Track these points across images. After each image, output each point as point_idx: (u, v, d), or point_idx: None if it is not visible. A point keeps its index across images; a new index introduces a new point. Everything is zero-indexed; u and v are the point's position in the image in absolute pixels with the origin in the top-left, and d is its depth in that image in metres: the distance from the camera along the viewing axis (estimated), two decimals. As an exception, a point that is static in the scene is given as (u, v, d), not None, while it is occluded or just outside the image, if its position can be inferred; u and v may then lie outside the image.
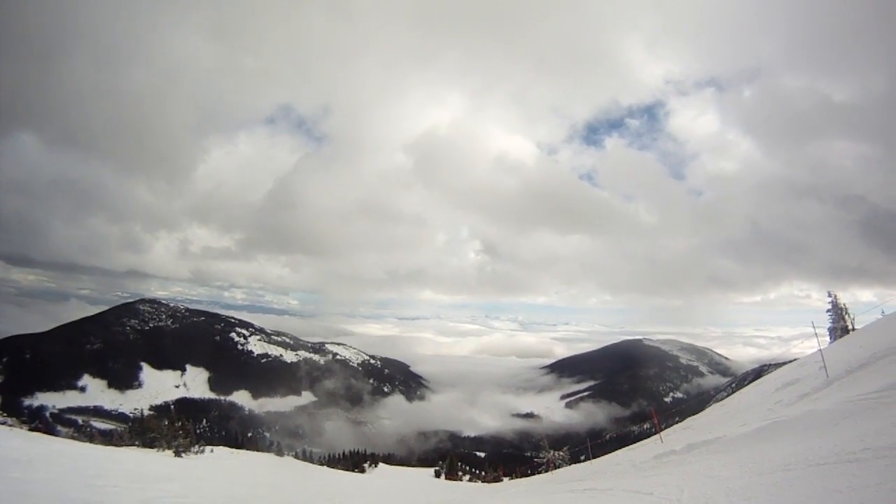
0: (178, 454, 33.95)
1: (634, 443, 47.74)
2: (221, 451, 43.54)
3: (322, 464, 79.14)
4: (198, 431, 64.32)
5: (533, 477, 51.78)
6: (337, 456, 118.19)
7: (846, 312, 56.07)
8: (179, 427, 38.79)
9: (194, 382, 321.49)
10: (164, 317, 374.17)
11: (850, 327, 54.13)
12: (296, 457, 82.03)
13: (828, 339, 52.63)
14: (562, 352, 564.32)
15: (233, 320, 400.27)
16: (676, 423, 49.65)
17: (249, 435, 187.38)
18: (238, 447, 61.94)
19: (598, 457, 44.20)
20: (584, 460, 49.52)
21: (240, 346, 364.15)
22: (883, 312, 48.23)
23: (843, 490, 8.73)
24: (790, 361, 56.92)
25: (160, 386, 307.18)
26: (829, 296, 57.55)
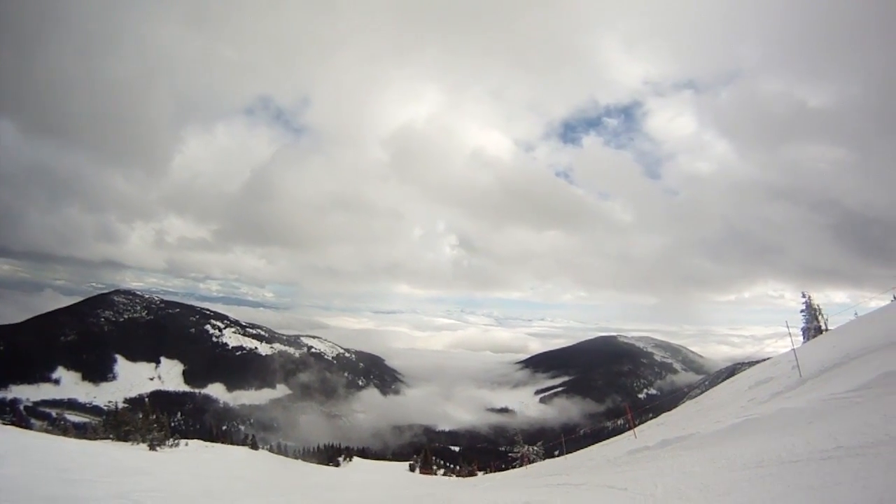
0: (152, 448, 33.87)
1: (608, 438, 48.07)
2: (196, 445, 43.45)
3: (297, 457, 79.18)
4: (172, 425, 64.03)
5: (507, 471, 51.95)
6: (312, 449, 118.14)
7: (820, 313, 56.67)
8: (154, 420, 38.78)
9: (169, 375, 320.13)
10: (138, 308, 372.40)
11: (823, 328, 54.66)
12: (270, 450, 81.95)
13: (801, 338, 53.12)
14: (536, 347, 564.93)
15: (208, 312, 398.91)
16: (650, 419, 49.82)
17: (224, 428, 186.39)
18: (212, 440, 61.80)
19: (573, 452, 44.36)
20: (558, 455, 49.80)
21: (215, 339, 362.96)
22: (856, 314, 48.64)
23: (816, 487, 8.83)
24: (763, 360, 57.29)
25: (135, 378, 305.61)
26: (804, 296, 58.16)
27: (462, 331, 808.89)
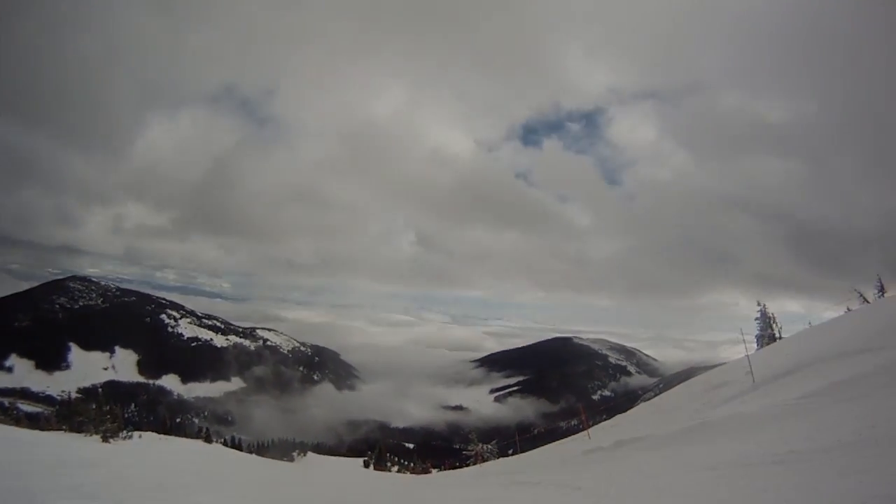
0: (105, 439, 33.43)
1: (562, 438, 48.28)
2: (149, 437, 42.98)
3: (251, 451, 78.69)
4: (126, 416, 63.63)
5: (462, 469, 52.07)
6: (266, 444, 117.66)
7: (774, 321, 57.66)
8: (108, 411, 38.24)
9: (123, 365, 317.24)
10: (94, 295, 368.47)
11: (777, 336, 55.61)
12: (224, 444, 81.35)
13: (755, 345, 53.93)
14: (492, 346, 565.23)
15: (164, 302, 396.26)
16: (604, 420, 50.19)
17: (178, 421, 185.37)
18: (166, 433, 61.10)
19: (527, 451, 44.67)
20: (512, 454, 50.08)
21: (170, 329, 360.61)
22: (810, 323, 49.52)
23: (769, 489, 8.98)
24: (718, 365, 58.05)
25: (89, 368, 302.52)
26: (759, 305, 59.07)
27: (419, 327, 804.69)
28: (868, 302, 48.46)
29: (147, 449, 34.85)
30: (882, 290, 50.02)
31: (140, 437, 40.10)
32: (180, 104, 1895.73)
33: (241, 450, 76.81)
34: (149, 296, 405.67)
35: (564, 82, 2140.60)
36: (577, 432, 49.57)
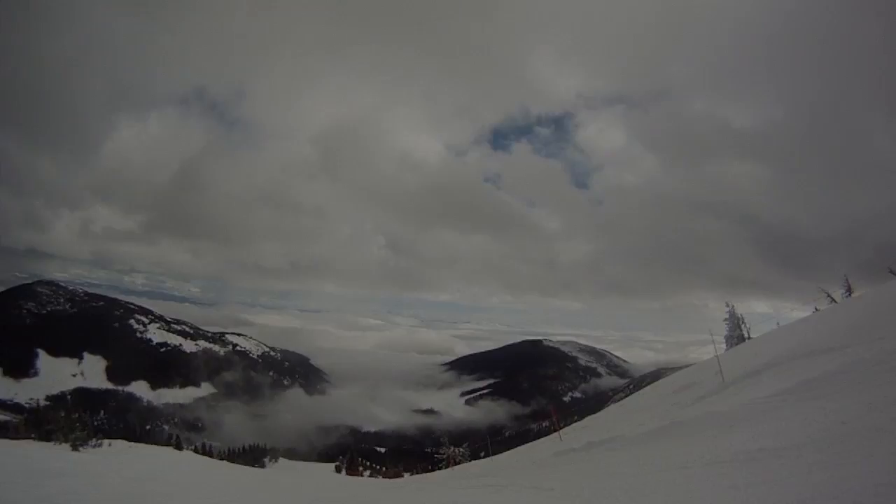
0: (75, 448, 33.05)
1: (534, 440, 48.41)
2: (119, 445, 42.50)
3: (222, 458, 78.03)
4: (95, 424, 62.85)
5: (433, 473, 52.02)
6: (237, 450, 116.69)
7: (742, 322, 58.31)
8: (77, 419, 37.85)
9: (92, 371, 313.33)
10: (62, 300, 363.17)
11: (746, 336, 56.21)
12: (195, 451, 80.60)
13: (724, 346, 54.40)
14: (462, 349, 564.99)
15: (132, 306, 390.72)
16: (575, 421, 50.45)
17: (148, 428, 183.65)
18: (136, 440, 60.52)
19: (498, 453, 44.73)
20: (483, 457, 50.00)
21: (139, 334, 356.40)
22: (778, 323, 50.10)
23: (740, 487, 9.00)
24: (687, 366, 58.46)
25: (57, 374, 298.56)
26: (727, 306, 59.70)
27: (388, 331, 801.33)
28: (836, 302, 49.09)
29: (117, 457, 34.46)
30: (849, 289, 50.73)
31: (110, 445, 39.60)
32: (150, 106, 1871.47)
33: (212, 456, 76.09)
34: (117, 300, 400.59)
35: (534, 87, 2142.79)
36: (548, 434, 49.69)
